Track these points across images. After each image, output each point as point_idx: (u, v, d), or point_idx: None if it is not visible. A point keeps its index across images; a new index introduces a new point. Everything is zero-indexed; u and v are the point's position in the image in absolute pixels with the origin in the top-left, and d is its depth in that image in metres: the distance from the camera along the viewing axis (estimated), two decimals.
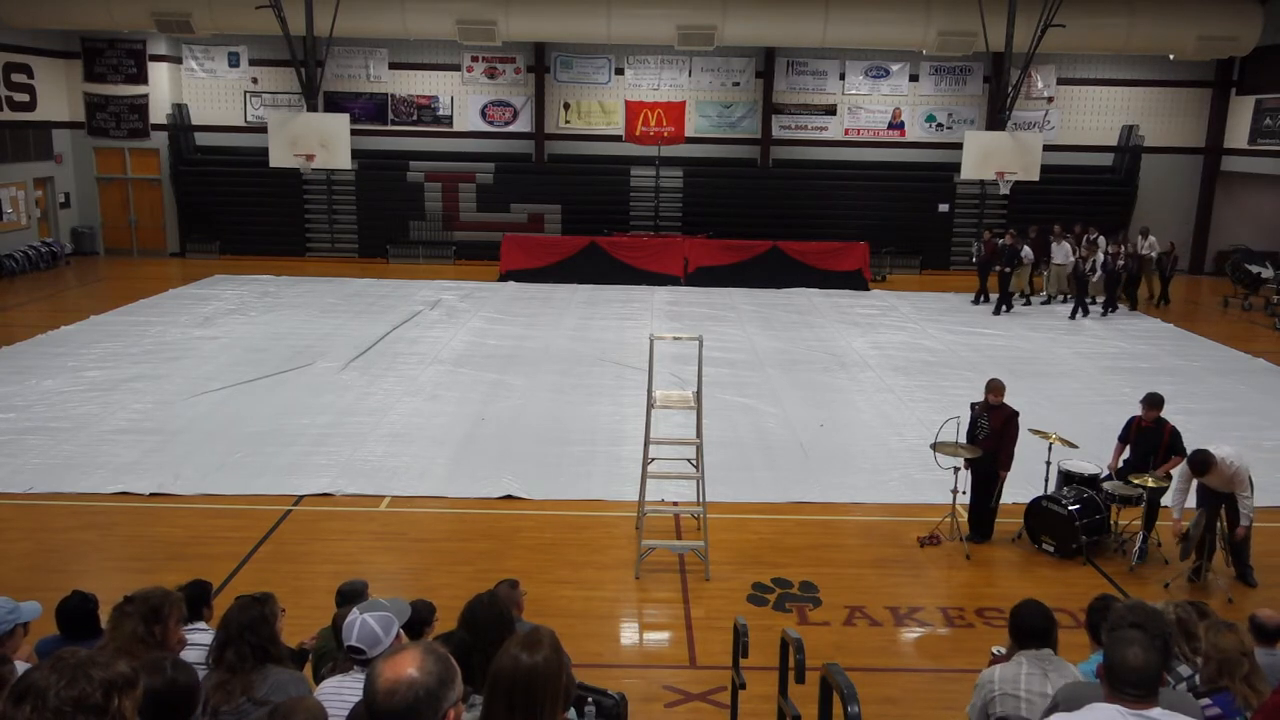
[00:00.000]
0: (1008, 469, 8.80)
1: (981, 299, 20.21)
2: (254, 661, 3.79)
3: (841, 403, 13.07)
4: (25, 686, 2.33)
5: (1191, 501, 8.18)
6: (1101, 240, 19.97)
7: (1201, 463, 7.81)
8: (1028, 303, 20.34)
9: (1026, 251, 20.04)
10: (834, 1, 21.38)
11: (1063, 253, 19.87)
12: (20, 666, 3.56)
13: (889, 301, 20.42)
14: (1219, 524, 8.15)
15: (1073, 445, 9.24)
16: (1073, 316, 18.97)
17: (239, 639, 3.80)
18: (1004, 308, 19.38)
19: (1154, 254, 20.31)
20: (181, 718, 3.22)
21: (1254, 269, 21.42)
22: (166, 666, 3.24)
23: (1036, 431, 9.39)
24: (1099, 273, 19.46)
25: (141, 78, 24.05)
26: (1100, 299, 19.61)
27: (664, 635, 7.32)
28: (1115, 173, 25.00)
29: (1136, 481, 8.38)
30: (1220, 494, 8.05)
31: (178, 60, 24.61)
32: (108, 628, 3.92)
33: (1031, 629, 4.24)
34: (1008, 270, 19.28)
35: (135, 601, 3.88)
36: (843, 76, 24.79)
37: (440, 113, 24.92)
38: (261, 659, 3.82)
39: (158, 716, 3.00)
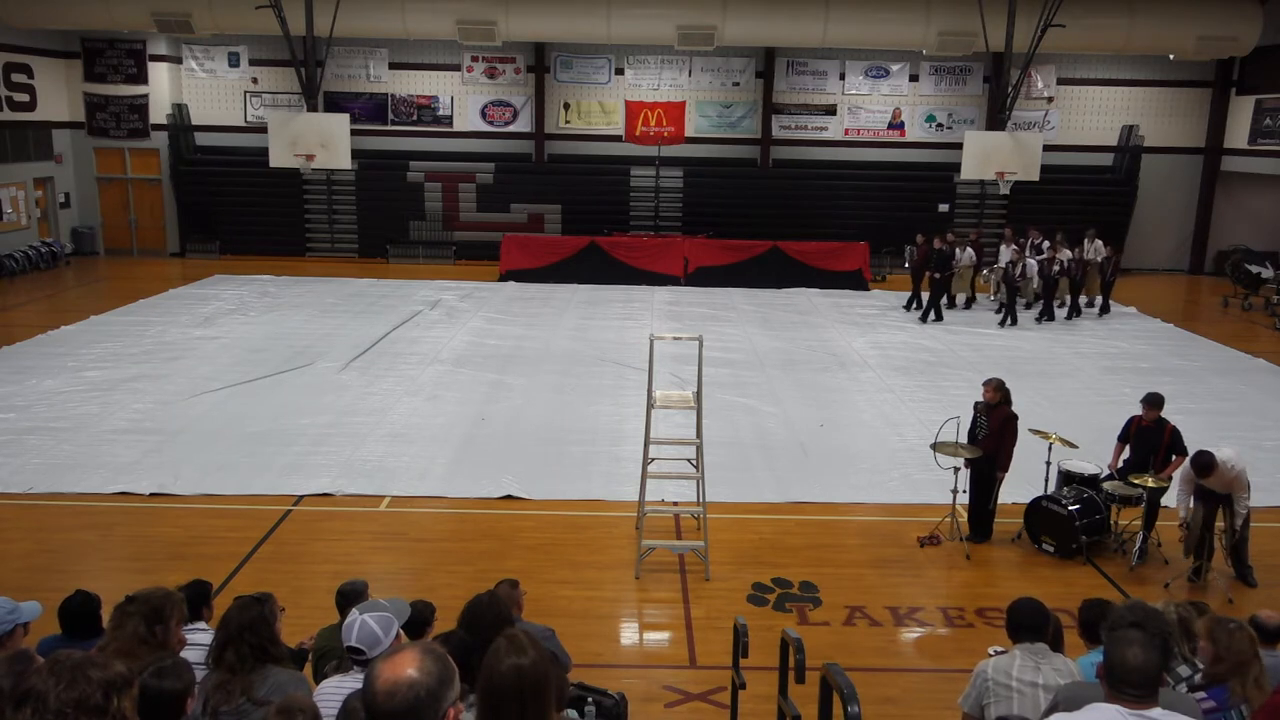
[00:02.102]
0: (1005, 470, 8.79)
1: (914, 304, 19.20)
2: (254, 662, 3.79)
3: (841, 403, 13.07)
4: (24, 690, 2.33)
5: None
6: (1046, 245, 19.18)
7: (1205, 465, 7.80)
8: (954, 304, 19.44)
9: (969, 254, 19.16)
10: (834, 1, 21.37)
11: (1008, 256, 18.83)
12: None
13: (889, 301, 20.39)
14: (1217, 524, 8.16)
15: (1073, 445, 9.24)
16: (1002, 324, 17.97)
17: (239, 639, 3.80)
18: (934, 314, 18.33)
19: (1099, 259, 19.33)
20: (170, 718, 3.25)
21: (1254, 269, 21.40)
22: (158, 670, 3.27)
23: (1036, 431, 9.39)
24: (1031, 277, 18.68)
25: (141, 78, 24.04)
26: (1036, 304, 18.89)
27: (664, 635, 7.32)
28: (1115, 173, 24.99)
29: (1136, 481, 8.38)
30: (1218, 494, 8.06)
31: (178, 60, 24.61)
32: (109, 628, 3.93)
33: (1026, 624, 4.40)
34: (938, 275, 18.27)
35: (137, 602, 3.89)
36: (843, 76, 24.78)
37: (440, 113, 24.92)
38: (261, 659, 3.82)
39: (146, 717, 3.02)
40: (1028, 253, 19.10)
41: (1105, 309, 19.42)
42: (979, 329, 17.82)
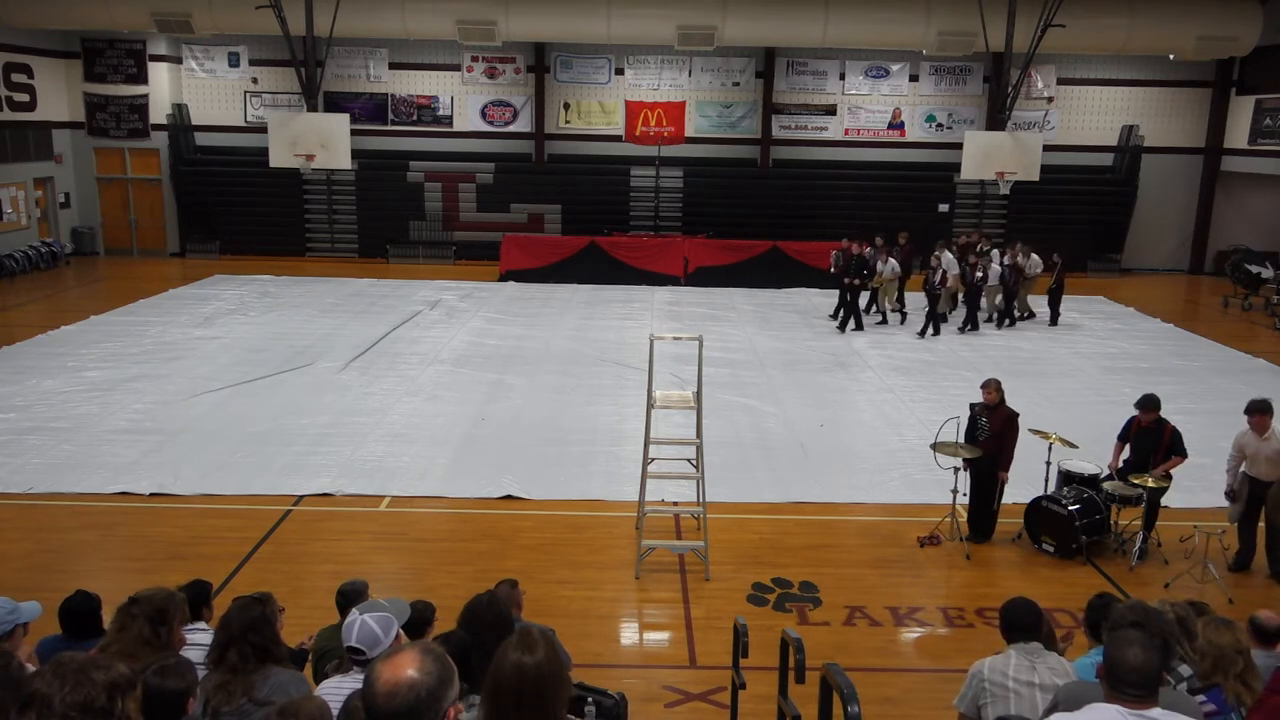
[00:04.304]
0: (1008, 470, 8.79)
1: (839, 312, 17.94)
2: (255, 662, 3.79)
3: (841, 403, 13.07)
4: (29, 694, 2.34)
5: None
6: (995, 253, 18.54)
7: (1260, 409, 8.13)
8: (884, 320, 18.30)
9: (892, 265, 18.25)
10: (834, 1, 21.38)
11: (946, 263, 17.63)
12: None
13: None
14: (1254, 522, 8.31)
15: (1073, 445, 9.24)
16: (921, 334, 17.11)
17: (240, 640, 3.80)
18: (851, 323, 17.43)
19: (1038, 271, 18.25)
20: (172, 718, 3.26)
21: (1254, 269, 21.40)
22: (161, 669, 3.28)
23: (1036, 431, 9.39)
24: (948, 286, 17.68)
25: (141, 78, 24.04)
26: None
27: (664, 635, 7.32)
28: (1115, 173, 24.98)
29: (1136, 481, 8.38)
30: (1264, 485, 8.12)
31: (178, 60, 24.60)
32: (112, 628, 3.93)
33: (1019, 624, 4.39)
34: (857, 282, 17.33)
35: (141, 603, 3.89)
36: (843, 76, 24.78)
37: (440, 113, 24.91)
38: (263, 659, 3.82)
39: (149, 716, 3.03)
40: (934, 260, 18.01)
41: (1020, 318, 18.50)
42: (980, 329, 17.79)
